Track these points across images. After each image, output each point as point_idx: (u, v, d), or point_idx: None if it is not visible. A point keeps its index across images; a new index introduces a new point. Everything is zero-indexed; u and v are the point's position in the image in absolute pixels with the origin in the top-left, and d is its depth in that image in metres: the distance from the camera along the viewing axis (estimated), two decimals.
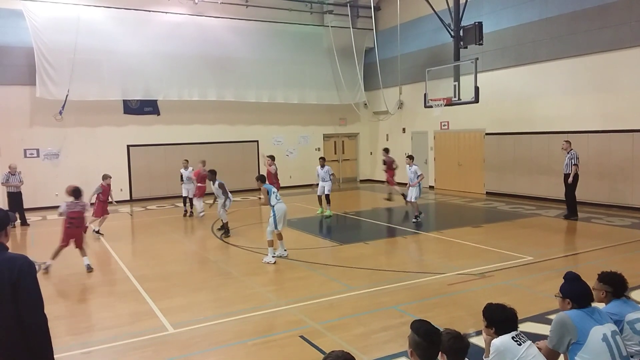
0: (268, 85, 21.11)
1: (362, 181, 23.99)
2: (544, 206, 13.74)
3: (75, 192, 9.41)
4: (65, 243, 9.34)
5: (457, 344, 3.23)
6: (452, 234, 11.49)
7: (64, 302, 7.68)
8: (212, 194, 12.72)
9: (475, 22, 14.53)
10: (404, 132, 21.84)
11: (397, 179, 16.38)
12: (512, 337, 3.50)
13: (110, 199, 13.11)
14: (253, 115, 21.41)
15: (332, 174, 14.89)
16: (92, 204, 10.94)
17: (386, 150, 16.58)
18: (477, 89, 14.13)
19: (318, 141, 23.26)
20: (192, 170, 15.42)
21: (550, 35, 15.23)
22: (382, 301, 7.12)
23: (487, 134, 17.80)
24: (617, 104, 13.73)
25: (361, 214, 15.04)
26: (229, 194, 12.03)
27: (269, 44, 21.03)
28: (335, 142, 24.10)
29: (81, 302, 7.70)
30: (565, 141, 13.12)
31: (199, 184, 15.23)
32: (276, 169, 15.36)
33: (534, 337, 4.00)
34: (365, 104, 23.50)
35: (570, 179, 12.64)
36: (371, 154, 24.25)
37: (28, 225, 14.62)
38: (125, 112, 19.19)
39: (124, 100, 19.02)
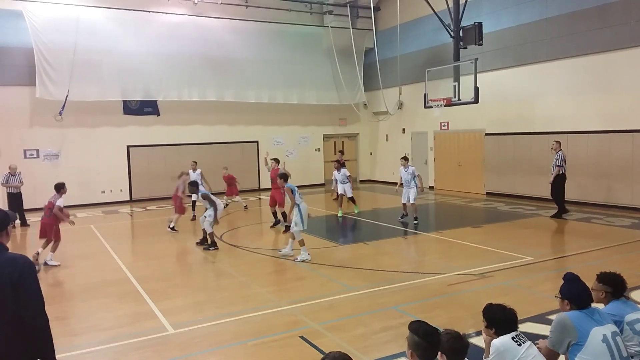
0: (268, 85, 21.11)
1: (362, 181, 23.98)
2: (544, 206, 13.74)
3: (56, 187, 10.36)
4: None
5: (457, 344, 3.23)
6: (452, 234, 11.49)
7: (64, 303, 7.68)
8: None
9: (475, 23, 14.53)
10: (404, 132, 21.84)
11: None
12: (512, 338, 3.50)
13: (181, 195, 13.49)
14: (253, 115, 21.42)
15: (349, 176, 15.21)
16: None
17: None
18: (476, 90, 14.13)
19: (318, 141, 23.26)
20: (201, 172, 15.00)
21: (550, 36, 15.24)
22: (382, 301, 7.12)
23: (487, 134, 17.80)
24: (617, 104, 13.74)
25: (361, 214, 15.03)
26: (217, 203, 11.06)
27: (269, 44, 21.03)
28: (335, 142, 24.09)
29: (81, 302, 7.70)
30: (556, 141, 13.18)
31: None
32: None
33: (534, 338, 4.00)
34: (365, 105, 23.50)
35: (550, 180, 12.88)
36: (371, 154, 24.24)
37: (28, 225, 14.62)
38: (125, 113, 19.19)
39: (123, 101, 19.02)
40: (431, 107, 15.78)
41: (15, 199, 14.47)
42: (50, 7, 17.11)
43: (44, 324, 3.15)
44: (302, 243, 9.63)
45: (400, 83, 20.98)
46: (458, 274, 8.30)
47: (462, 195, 18.17)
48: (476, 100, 14.29)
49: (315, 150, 23.06)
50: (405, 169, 12.97)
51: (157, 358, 5.56)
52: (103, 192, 18.69)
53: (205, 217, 10.83)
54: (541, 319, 6.02)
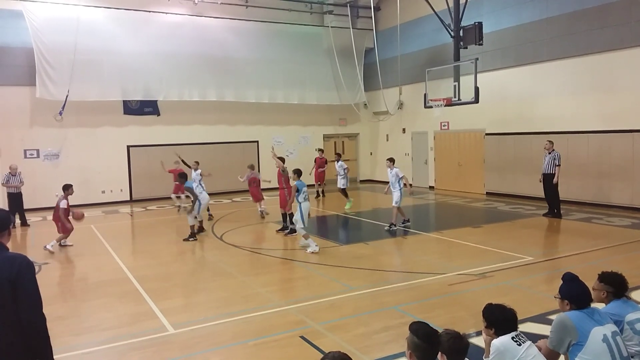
0: (268, 85, 21.11)
1: (362, 181, 23.99)
2: (544, 206, 13.73)
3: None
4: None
5: (457, 344, 3.23)
6: (453, 234, 11.49)
7: (65, 303, 7.68)
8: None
9: (475, 22, 14.53)
10: (404, 132, 21.84)
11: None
12: (512, 338, 3.50)
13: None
14: (253, 115, 21.42)
15: (347, 168, 16.50)
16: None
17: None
18: (477, 89, 14.13)
19: (318, 141, 23.25)
20: (200, 172, 14.86)
21: (550, 36, 15.24)
22: (382, 301, 7.12)
23: (487, 134, 17.80)
24: (617, 104, 13.74)
25: (361, 214, 15.05)
26: (200, 198, 12.07)
27: (269, 44, 21.03)
28: (335, 142, 24.09)
29: (81, 302, 7.70)
30: (549, 141, 13.20)
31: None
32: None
33: (534, 338, 4.00)
34: (365, 104, 23.50)
35: (555, 179, 12.80)
36: (371, 154, 24.25)
37: (28, 225, 14.63)
38: (125, 113, 19.19)
39: (124, 101, 19.02)
40: (431, 107, 15.77)
41: (15, 199, 14.47)
42: (51, 7, 17.11)
43: (41, 324, 3.15)
44: (307, 237, 10.15)
45: (400, 83, 20.99)
46: (458, 274, 8.30)
47: (462, 195, 18.17)
48: (476, 100, 14.29)
49: (316, 150, 23.02)
50: (390, 171, 12.34)
51: (158, 358, 5.56)
52: (103, 192, 18.69)
53: (192, 210, 11.76)
54: (541, 318, 6.02)
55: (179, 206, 16.50)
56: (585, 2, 14.18)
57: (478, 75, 14.17)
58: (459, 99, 14.83)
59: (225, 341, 5.93)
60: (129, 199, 19.28)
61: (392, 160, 12.62)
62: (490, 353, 3.54)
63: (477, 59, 14.28)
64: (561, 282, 3.98)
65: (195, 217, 11.98)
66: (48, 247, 10.85)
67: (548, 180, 13.01)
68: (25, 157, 17.57)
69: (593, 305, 3.84)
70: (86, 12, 17.69)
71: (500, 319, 3.59)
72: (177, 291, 7.99)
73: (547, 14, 15.28)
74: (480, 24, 14.47)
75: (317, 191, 18.87)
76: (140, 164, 19.45)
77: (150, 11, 18.72)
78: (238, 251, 10.70)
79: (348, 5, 21.15)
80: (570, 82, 14.86)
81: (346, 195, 16.35)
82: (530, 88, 16.01)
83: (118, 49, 18.25)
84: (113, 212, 16.74)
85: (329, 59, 22.13)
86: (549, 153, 12.99)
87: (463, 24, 14.92)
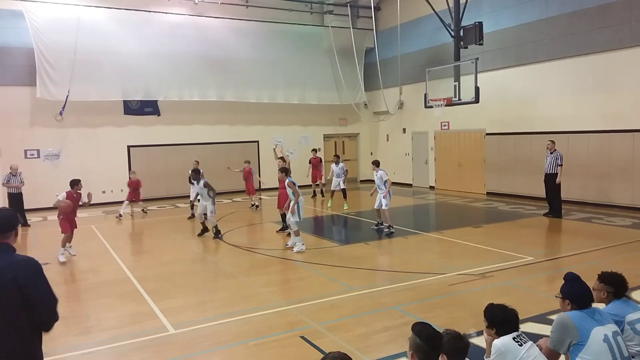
0: (268, 85, 21.11)
1: (362, 181, 23.98)
2: (545, 206, 13.72)
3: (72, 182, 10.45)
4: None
5: (457, 344, 3.23)
6: (453, 234, 11.49)
7: (65, 303, 7.67)
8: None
9: (475, 22, 14.53)
10: (404, 132, 21.84)
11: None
12: (513, 338, 3.50)
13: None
14: (253, 115, 21.42)
15: (346, 170, 16.66)
16: None
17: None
18: (477, 89, 14.13)
19: (318, 141, 23.24)
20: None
21: (550, 35, 15.23)
22: (382, 301, 7.12)
23: (487, 134, 17.79)
24: (618, 104, 13.73)
25: (362, 214, 15.04)
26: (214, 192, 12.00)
27: (269, 44, 21.03)
28: (335, 142, 24.10)
29: (82, 302, 7.70)
30: (550, 141, 13.18)
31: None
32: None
33: (535, 338, 4.00)
34: (366, 104, 23.48)
35: (558, 180, 12.77)
36: (371, 154, 24.20)
37: (29, 226, 14.63)
38: (125, 113, 19.19)
39: (124, 101, 19.02)
40: (432, 106, 15.77)
41: (15, 199, 14.47)
42: (51, 7, 17.11)
43: (54, 323, 3.18)
44: (297, 233, 10.20)
45: (400, 83, 20.99)
46: (459, 274, 8.30)
47: (462, 195, 18.17)
48: (477, 100, 14.29)
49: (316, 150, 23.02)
50: (375, 173, 12.05)
51: (158, 358, 5.56)
52: (104, 192, 18.67)
53: (206, 213, 11.72)
54: (542, 319, 6.02)
55: (253, 204, 16.73)
56: (585, 2, 14.17)
57: (478, 75, 14.16)
58: (459, 99, 14.83)
59: (225, 341, 5.93)
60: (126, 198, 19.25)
61: (376, 163, 12.31)
62: (492, 353, 3.54)
63: (477, 58, 14.27)
64: (562, 281, 3.98)
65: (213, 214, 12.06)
66: (60, 259, 10.15)
67: (550, 180, 12.99)
68: (26, 157, 17.57)
69: (594, 305, 3.84)
70: (87, 12, 17.69)
71: (501, 319, 3.59)
72: (177, 291, 7.99)
73: (547, 13, 15.28)
74: (480, 24, 14.47)
75: (314, 191, 18.88)
76: (140, 164, 19.43)
77: (150, 11, 18.72)
78: (238, 251, 10.70)
79: (348, 5, 21.14)
80: (570, 82, 14.86)
81: (345, 196, 16.31)
82: (531, 88, 16.01)
83: (118, 49, 18.26)
84: (113, 212, 16.72)
85: (329, 58, 22.13)
86: (551, 153, 12.97)
87: (463, 23, 14.92)
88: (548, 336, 3.84)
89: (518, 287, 7.55)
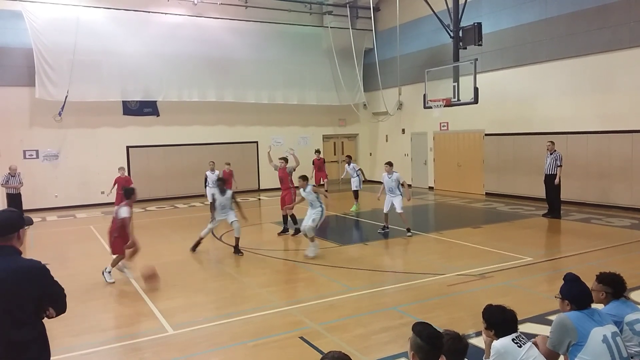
0: (267, 86, 21.12)
1: (362, 182, 23.91)
2: (544, 207, 13.73)
3: (127, 193, 8.86)
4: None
5: (456, 344, 3.23)
6: (452, 235, 11.49)
7: None
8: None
9: (474, 23, 14.55)
10: (404, 133, 21.85)
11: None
12: (513, 339, 3.49)
13: None
14: (252, 116, 21.42)
15: (360, 169, 16.56)
16: None
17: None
18: (476, 90, 14.14)
19: (318, 142, 23.25)
20: (219, 173, 14.73)
21: (549, 36, 15.25)
22: (382, 302, 7.12)
23: (486, 134, 17.81)
24: (617, 105, 13.75)
25: (361, 214, 15.04)
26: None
27: (269, 44, 21.04)
28: (334, 143, 24.10)
29: (81, 303, 7.68)
30: (550, 142, 13.19)
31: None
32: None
33: (534, 338, 4.00)
34: (365, 105, 23.50)
35: (557, 180, 12.78)
36: (370, 154, 24.25)
37: (28, 226, 14.58)
38: (124, 113, 19.19)
39: (123, 101, 19.02)
40: (431, 107, 15.78)
41: (14, 199, 14.45)
42: (50, 8, 17.11)
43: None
44: (313, 239, 9.93)
45: (399, 83, 20.99)
46: (458, 275, 8.30)
47: (461, 195, 18.17)
48: (476, 101, 14.30)
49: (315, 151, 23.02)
50: (389, 176, 11.64)
51: (157, 359, 5.56)
52: (102, 192, 18.65)
53: (233, 221, 10.45)
54: (541, 319, 6.02)
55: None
56: (584, 3, 14.19)
57: (477, 75, 14.17)
58: (458, 100, 14.84)
59: (224, 342, 5.93)
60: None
61: (390, 164, 11.91)
62: (491, 355, 3.54)
63: (476, 59, 14.28)
64: (562, 282, 3.99)
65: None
66: (107, 279, 8.52)
67: (550, 181, 13.00)
68: (25, 157, 17.56)
69: (593, 306, 3.84)
70: (86, 13, 17.69)
71: (500, 321, 3.59)
72: (176, 292, 7.98)
73: (546, 14, 15.30)
74: (479, 25, 14.48)
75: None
76: (139, 165, 19.45)
77: (149, 12, 18.72)
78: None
79: (347, 5, 21.15)
80: (569, 82, 14.87)
81: (356, 197, 16.09)
82: (530, 88, 16.02)
83: (117, 50, 18.26)
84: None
85: (328, 59, 22.13)
86: (551, 154, 12.98)
87: (462, 24, 14.94)
88: (543, 335, 3.85)
89: (517, 287, 7.56)
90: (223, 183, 10.87)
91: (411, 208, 16.26)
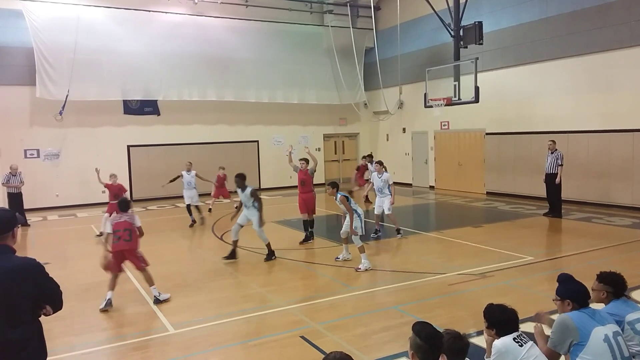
0: (268, 85, 21.11)
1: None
2: (544, 206, 13.72)
3: (122, 205, 7.87)
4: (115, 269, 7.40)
5: (457, 344, 3.23)
6: (453, 234, 11.49)
7: (65, 302, 7.61)
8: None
9: (475, 22, 14.52)
10: (404, 132, 21.84)
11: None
12: (514, 339, 3.49)
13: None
14: (253, 115, 21.42)
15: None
16: None
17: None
18: (477, 89, 14.12)
19: (318, 141, 23.25)
20: (195, 173, 14.25)
21: (550, 35, 15.23)
22: (382, 301, 7.12)
23: (487, 133, 17.79)
24: (617, 104, 13.73)
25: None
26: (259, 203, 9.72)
27: (269, 43, 21.03)
28: (335, 142, 24.10)
29: (82, 302, 7.69)
30: (551, 141, 13.18)
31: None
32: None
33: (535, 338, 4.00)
34: (366, 104, 23.49)
35: (558, 180, 12.77)
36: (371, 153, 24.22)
37: (29, 225, 14.61)
38: (125, 113, 19.19)
39: (124, 101, 19.02)
40: (431, 106, 15.76)
41: (15, 199, 14.46)
42: (51, 7, 17.11)
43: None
44: (362, 250, 8.77)
45: (400, 82, 20.98)
46: (458, 274, 8.30)
47: (462, 194, 18.17)
48: (476, 100, 14.28)
49: (316, 150, 23.01)
50: (380, 175, 11.24)
51: (158, 358, 5.56)
52: (103, 192, 18.55)
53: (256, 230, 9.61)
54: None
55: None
56: (584, 2, 14.17)
57: (478, 74, 14.15)
58: (459, 99, 14.82)
59: (225, 341, 5.93)
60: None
61: (381, 163, 11.55)
62: (492, 354, 3.54)
63: (477, 58, 14.26)
64: (559, 277, 4.01)
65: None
66: (160, 298, 7.40)
67: (551, 180, 12.99)
68: (26, 157, 17.57)
69: (594, 305, 3.84)
70: (86, 12, 17.69)
71: (501, 320, 3.59)
72: (177, 291, 7.98)
73: (547, 13, 15.28)
74: (480, 24, 14.46)
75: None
76: (140, 164, 19.45)
77: (150, 11, 18.72)
78: (238, 251, 10.68)
79: (348, 4, 21.14)
80: (569, 81, 14.86)
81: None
82: (530, 88, 16.01)
83: (118, 49, 18.26)
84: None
85: (329, 58, 22.12)
86: (552, 153, 12.97)
87: (463, 23, 14.91)
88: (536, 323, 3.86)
89: (518, 287, 7.56)
90: (243, 178, 9.85)
91: (412, 207, 16.29)
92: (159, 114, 19.73)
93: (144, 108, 19.44)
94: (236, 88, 20.49)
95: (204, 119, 20.50)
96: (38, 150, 17.86)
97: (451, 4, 15.03)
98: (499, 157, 17.39)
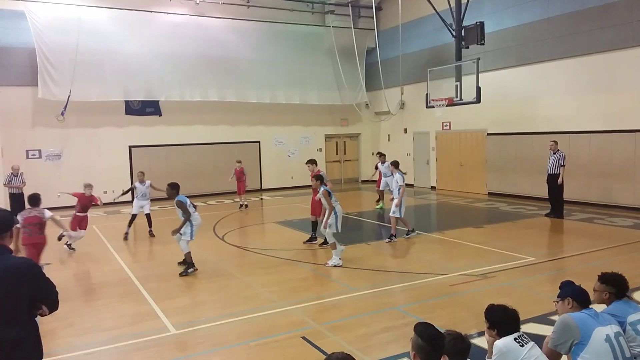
0: (269, 85, 21.11)
1: (363, 182, 23.97)
2: (546, 207, 13.71)
3: (32, 200, 8.53)
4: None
5: (458, 344, 3.22)
6: (454, 235, 11.48)
7: (66, 303, 7.64)
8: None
9: (476, 22, 14.53)
10: (406, 132, 21.83)
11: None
12: (515, 339, 3.49)
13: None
14: (254, 115, 21.42)
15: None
16: None
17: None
18: (478, 89, 14.12)
19: (320, 142, 23.25)
20: (150, 184, 13.08)
21: (551, 35, 15.21)
22: (384, 302, 7.11)
23: (488, 134, 17.78)
24: (619, 104, 13.71)
25: (363, 214, 15.03)
26: (192, 215, 9.33)
27: (271, 44, 21.04)
28: (336, 142, 24.10)
29: (83, 302, 7.70)
30: (553, 141, 13.16)
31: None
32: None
33: (536, 338, 3.99)
34: (367, 104, 23.49)
35: (560, 180, 12.75)
36: (372, 154, 24.20)
37: None
38: (127, 113, 19.21)
39: (125, 101, 19.04)
40: (433, 107, 15.77)
41: (17, 199, 14.48)
42: (52, 8, 17.13)
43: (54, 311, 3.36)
44: (334, 246, 9.17)
45: (402, 83, 20.97)
46: (460, 275, 8.29)
47: (464, 195, 18.15)
48: (478, 100, 14.28)
49: (317, 150, 23.02)
50: (392, 176, 11.46)
51: (159, 358, 5.56)
52: (105, 192, 18.63)
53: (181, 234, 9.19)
54: (543, 319, 6.01)
55: (243, 205, 16.68)
56: (586, 2, 14.16)
57: (480, 75, 14.16)
58: (460, 99, 14.83)
59: (226, 341, 5.93)
60: (130, 199, 19.23)
61: (395, 164, 11.46)
62: (493, 354, 3.53)
63: (478, 58, 14.27)
64: (561, 284, 4.04)
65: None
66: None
67: (553, 181, 12.97)
68: (28, 157, 17.58)
69: (595, 307, 3.83)
70: (88, 13, 17.71)
71: (502, 320, 3.58)
72: (178, 291, 7.99)
73: (549, 13, 15.26)
74: (482, 24, 14.46)
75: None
76: (142, 164, 19.40)
77: (151, 11, 18.74)
78: (239, 251, 10.70)
79: (349, 5, 21.15)
80: (571, 82, 14.84)
81: (382, 197, 15.51)
82: (532, 88, 15.99)
83: (120, 49, 18.28)
84: (115, 213, 16.75)
85: (330, 58, 22.13)
86: (554, 153, 12.95)
87: (465, 23, 14.93)
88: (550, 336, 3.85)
89: (519, 287, 7.55)
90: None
91: (413, 208, 16.25)
92: (160, 115, 19.75)
93: (145, 108, 19.46)
94: (238, 88, 20.49)
95: (206, 119, 20.51)
96: (40, 151, 17.89)
97: (453, 4, 15.04)
98: (501, 157, 17.37)
